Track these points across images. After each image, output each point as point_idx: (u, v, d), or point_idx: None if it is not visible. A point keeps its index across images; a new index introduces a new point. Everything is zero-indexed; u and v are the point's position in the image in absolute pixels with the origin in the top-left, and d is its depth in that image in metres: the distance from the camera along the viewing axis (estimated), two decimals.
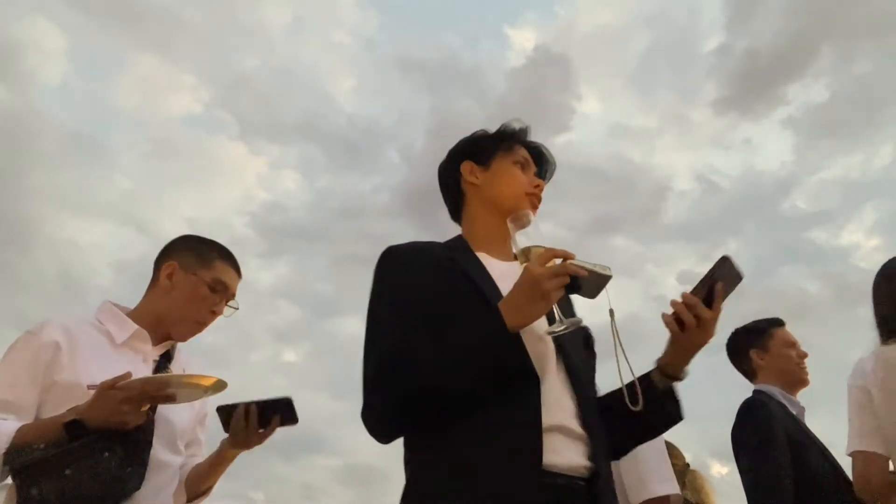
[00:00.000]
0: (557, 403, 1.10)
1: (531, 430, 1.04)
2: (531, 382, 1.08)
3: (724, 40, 8.67)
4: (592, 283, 1.11)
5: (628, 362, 1.16)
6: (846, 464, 2.05)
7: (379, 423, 1.14)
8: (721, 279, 1.14)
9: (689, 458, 2.91)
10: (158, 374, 1.55)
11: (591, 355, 1.29)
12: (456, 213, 1.44)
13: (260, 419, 1.48)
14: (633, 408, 1.13)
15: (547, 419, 1.05)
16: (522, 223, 1.14)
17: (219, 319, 1.70)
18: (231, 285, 1.69)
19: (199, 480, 1.64)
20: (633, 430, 1.26)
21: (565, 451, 1.06)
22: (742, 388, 2.45)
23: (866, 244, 9.29)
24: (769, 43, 8.06)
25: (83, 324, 1.55)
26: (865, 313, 2.13)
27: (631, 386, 1.16)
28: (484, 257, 1.29)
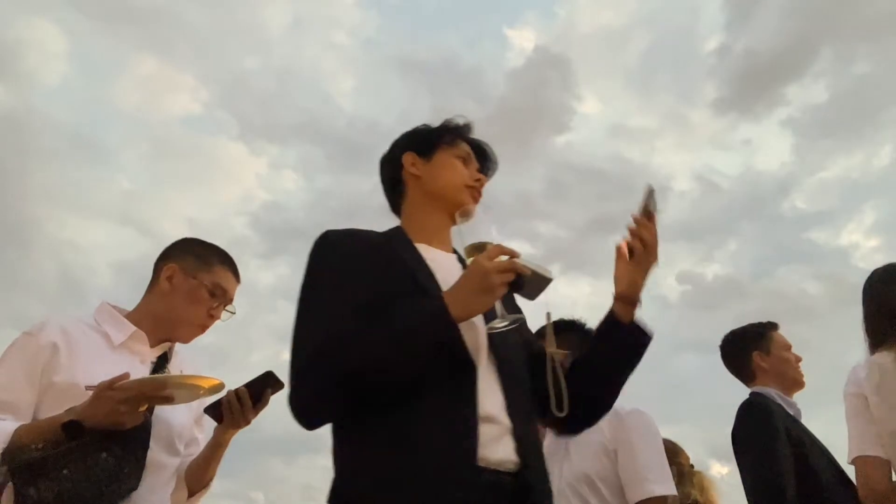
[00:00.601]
0: (488, 395, 1.10)
1: (466, 419, 1.04)
2: (468, 372, 1.09)
3: (724, 41, 8.68)
4: (535, 283, 1.15)
5: (555, 365, 1.20)
6: (846, 464, 2.05)
7: (309, 406, 1.11)
8: (651, 208, 1.26)
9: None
10: (156, 375, 1.55)
11: (524, 348, 1.28)
12: (395, 204, 1.43)
13: (251, 398, 1.54)
14: (557, 413, 1.15)
15: (479, 409, 1.06)
16: (468, 217, 1.18)
17: (221, 321, 1.71)
18: (230, 290, 1.70)
19: (199, 473, 1.65)
20: (613, 366, 1.28)
21: (495, 444, 1.06)
22: (742, 389, 2.45)
23: (866, 244, 9.31)
24: (769, 43, 8.07)
25: (81, 325, 1.55)
26: None
27: (558, 391, 1.17)
28: (423, 248, 1.29)
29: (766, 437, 2.12)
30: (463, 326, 1.06)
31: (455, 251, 1.38)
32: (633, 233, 1.25)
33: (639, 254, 1.24)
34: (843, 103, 8.35)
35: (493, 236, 1.14)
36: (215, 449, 1.63)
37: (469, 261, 1.13)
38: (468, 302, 1.05)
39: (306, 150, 10.02)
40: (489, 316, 1.12)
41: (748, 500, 2.12)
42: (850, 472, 2.02)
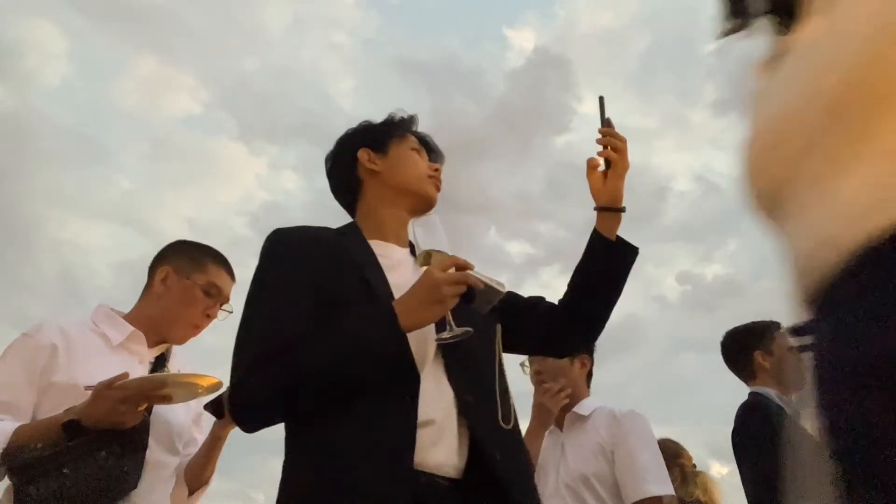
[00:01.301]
0: (434, 399, 1.09)
1: (405, 425, 1.03)
2: (412, 380, 1.08)
3: (724, 41, 8.66)
4: (486, 296, 1.14)
5: (504, 378, 1.18)
6: None
7: (249, 410, 1.11)
8: (607, 115, 1.33)
9: None
10: (155, 374, 1.56)
11: (490, 330, 1.23)
12: (350, 203, 1.41)
13: None
14: (504, 426, 1.13)
15: (421, 415, 1.05)
16: (425, 221, 1.18)
17: (218, 320, 1.71)
18: (225, 289, 1.71)
19: (198, 470, 1.66)
20: (605, 282, 1.33)
21: (434, 448, 1.05)
22: (742, 389, 2.45)
23: None
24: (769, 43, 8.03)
25: (79, 325, 1.56)
26: None
27: (506, 403, 1.15)
28: (378, 244, 1.28)
29: (766, 438, 2.12)
30: (411, 335, 1.06)
31: (411, 244, 1.35)
32: (604, 143, 1.30)
33: (614, 161, 1.30)
34: None
35: (447, 243, 1.14)
36: (214, 444, 1.63)
37: (421, 268, 1.12)
38: (418, 312, 1.06)
39: (306, 150, 10.03)
40: (441, 324, 1.11)
41: (748, 500, 2.12)
42: None
